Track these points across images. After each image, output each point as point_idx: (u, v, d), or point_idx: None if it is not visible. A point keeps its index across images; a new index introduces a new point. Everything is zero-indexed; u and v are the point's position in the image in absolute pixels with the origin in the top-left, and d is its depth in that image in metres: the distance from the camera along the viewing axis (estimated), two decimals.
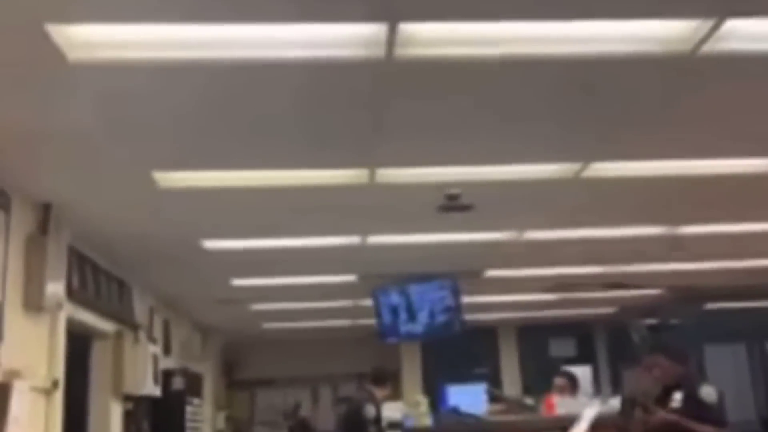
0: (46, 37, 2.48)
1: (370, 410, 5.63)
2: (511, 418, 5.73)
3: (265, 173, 4.13)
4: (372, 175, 4.06)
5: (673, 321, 9.77)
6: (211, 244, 5.53)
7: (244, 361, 11.62)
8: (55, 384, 4.58)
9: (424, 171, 4.03)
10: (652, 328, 9.75)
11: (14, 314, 4.01)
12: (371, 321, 8.94)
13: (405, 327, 7.10)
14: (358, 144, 3.66)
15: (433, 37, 2.68)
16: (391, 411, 5.95)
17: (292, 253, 5.91)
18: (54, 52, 2.57)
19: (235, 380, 11.56)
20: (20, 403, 3.96)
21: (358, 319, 9.42)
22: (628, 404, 4.73)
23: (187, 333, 8.67)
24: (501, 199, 4.67)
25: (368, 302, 7.65)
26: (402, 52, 2.70)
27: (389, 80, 2.94)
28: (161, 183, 4.06)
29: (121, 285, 6.04)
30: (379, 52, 2.68)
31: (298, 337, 10.69)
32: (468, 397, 6.88)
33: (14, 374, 3.92)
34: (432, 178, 4.11)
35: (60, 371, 4.69)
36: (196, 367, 8.40)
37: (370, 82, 2.95)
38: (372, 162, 3.91)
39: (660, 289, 8.56)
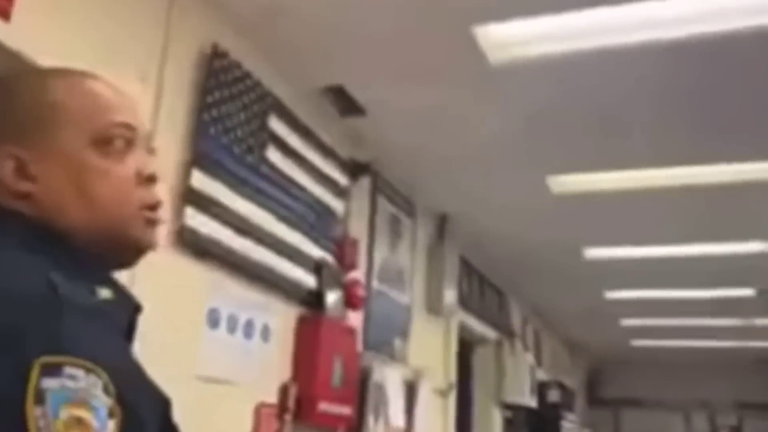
0: (471, 41, 2.52)
1: None
2: None
3: (662, 172, 3.77)
4: None
5: None
6: (593, 252, 5.30)
7: (608, 379, 11.11)
8: (450, 386, 4.78)
9: None
10: None
11: (419, 317, 4.26)
12: (760, 344, 7.84)
13: None
14: None
15: None
16: None
17: (676, 263, 5.38)
18: (477, 56, 2.60)
19: (598, 397, 11.11)
20: (424, 401, 4.18)
21: (746, 341, 8.30)
22: None
23: (554, 346, 8.54)
24: None
25: (762, 321, 6.67)
26: None
27: None
28: (554, 188, 3.97)
29: (500, 294, 6.13)
30: None
31: (669, 358, 9.83)
32: None
33: (419, 374, 4.15)
34: None
35: (453, 374, 4.88)
36: (566, 381, 8.21)
37: None
38: None
39: None
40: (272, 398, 2.72)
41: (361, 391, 3.30)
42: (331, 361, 2.95)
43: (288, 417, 2.73)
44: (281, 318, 2.81)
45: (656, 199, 4.11)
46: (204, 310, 2.35)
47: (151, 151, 0.87)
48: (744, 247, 4.98)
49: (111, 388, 0.64)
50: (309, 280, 2.92)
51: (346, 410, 3.02)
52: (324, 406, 2.83)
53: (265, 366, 2.67)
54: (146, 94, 2.14)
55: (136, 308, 0.81)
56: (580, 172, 3.84)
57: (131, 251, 0.83)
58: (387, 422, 3.51)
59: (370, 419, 3.35)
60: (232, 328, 2.47)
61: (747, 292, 6.13)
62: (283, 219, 2.73)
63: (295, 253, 2.81)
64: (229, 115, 2.43)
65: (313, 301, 2.96)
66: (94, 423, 0.62)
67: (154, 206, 0.83)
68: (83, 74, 0.85)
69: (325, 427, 3.02)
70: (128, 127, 0.82)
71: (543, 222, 4.61)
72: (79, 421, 0.61)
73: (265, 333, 2.67)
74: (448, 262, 4.53)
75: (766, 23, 2.33)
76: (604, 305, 7.08)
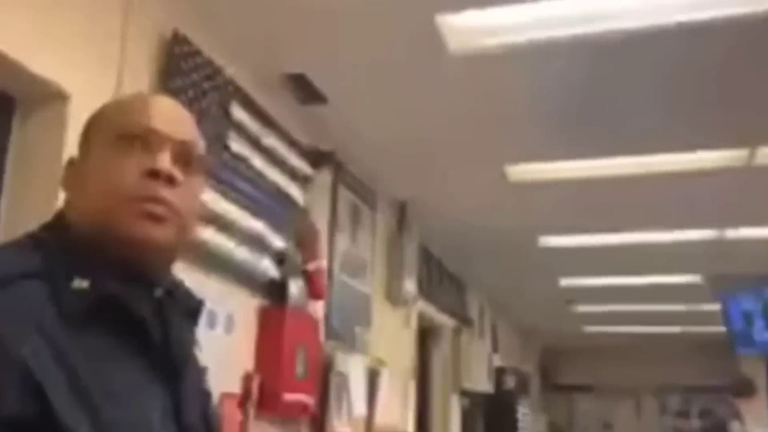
0: (433, 29, 2.53)
1: (735, 428, 4.96)
2: None
3: (616, 161, 3.86)
4: (751, 156, 3.55)
5: None
6: (547, 240, 5.39)
7: (562, 366, 11.33)
8: (410, 374, 4.82)
9: None
10: None
11: (379, 305, 4.27)
12: (705, 329, 8.06)
13: (763, 336, 6.21)
14: (738, 118, 3.21)
15: None
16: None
17: (630, 250, 5.52)
18: (438, 45, 2.61)
19: (552, 384, 11.33)
20: (385, 389, 4.21)
21: (691, 326, 8.56)
22: None
23: (510, 333, 8.68)
24: None
25: (708, 307, 6.88)
26: None
27: None
28: (512, 177, 4.02)
29: (458, 283, 6.20)
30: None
31: (619, 343, 10.08)
32: None
33: (380, 362, 4.18)
34: None
35: (413, 362, 4.92)
36: (521, 367, 8.36)
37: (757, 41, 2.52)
38: (754, 139, 3.41)
39: None
40: (235, 388, 2.70)
41: (323, 380, 3.30)
42: (295, 352, 2.94)
43: (251, 407, 2.72)
44: (244, 308, 2.78)
45: (609, 188, 4.20)
46: None
47: (192, 167, 0.86)
48: (696, 234, 5.13)
49: None
50: (272, 270, 2.90)
51: (309, 400, 3.02)
52: (288, 397, 2.83)
53: (228, 356, 2.65)
54: (107, 77, 2.09)
55: (112, 296, 0.79)
56: (536, 161, 3.90)
57: (125, 244, 0.80)
58: (350, 411, 3.52)
59: (333, 408, 3.36)
60: None
61: (694, 278, 6.33)
62: (245, 208, 2.71)
63: (257, 242, 2.79)
64: (191, 102, 2.39)
65: (276, 291, 2.95)
66: None
67: (150, 199, 0.80)
68: (148, 95, 0.98)
69: (289, 417, 3.02)
70: (152, 131, 0.83)
71: (500, 210, 4.66)
72: None
73: (228, 323, 2.64)
74: (407, 251, 4.55)
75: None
76: (560, 292, 7.21)
